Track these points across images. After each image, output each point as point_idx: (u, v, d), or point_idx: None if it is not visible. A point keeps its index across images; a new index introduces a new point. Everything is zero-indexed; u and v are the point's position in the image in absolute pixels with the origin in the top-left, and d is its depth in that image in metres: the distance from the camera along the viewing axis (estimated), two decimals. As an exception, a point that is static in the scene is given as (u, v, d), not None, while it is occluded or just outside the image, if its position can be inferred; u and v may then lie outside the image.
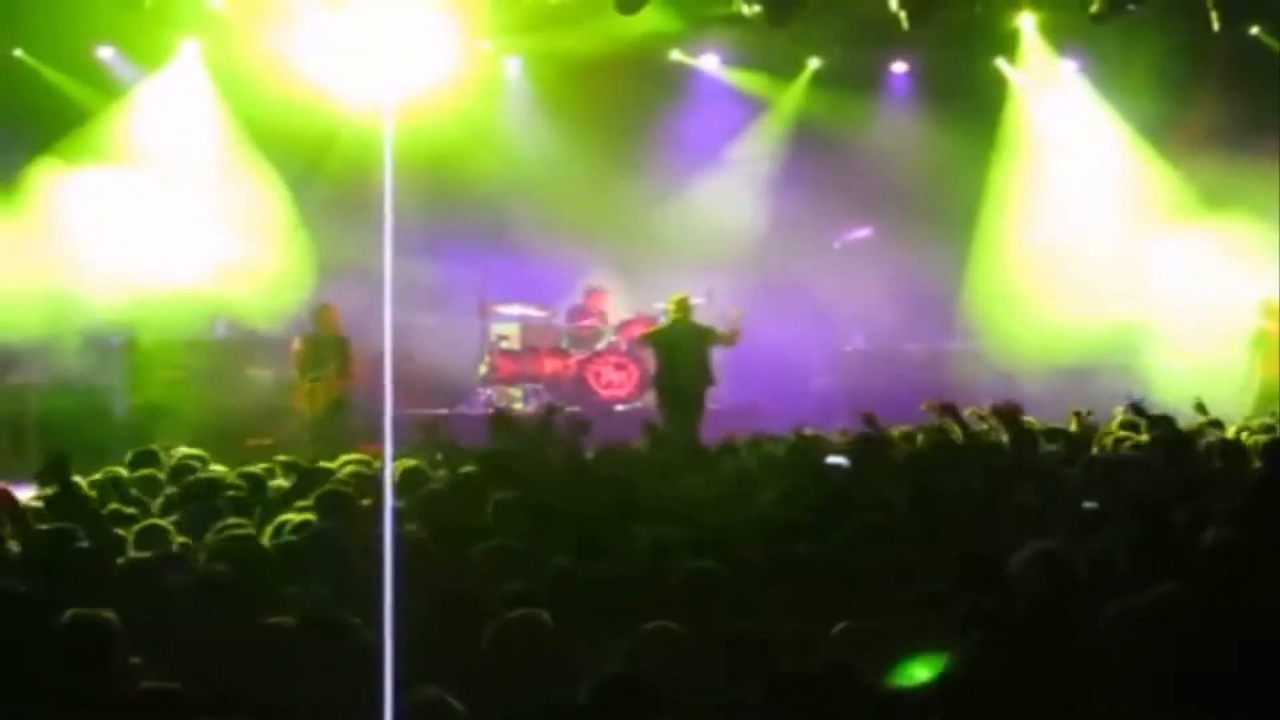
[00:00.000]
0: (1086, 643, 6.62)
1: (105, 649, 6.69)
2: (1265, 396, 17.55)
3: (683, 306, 17.51)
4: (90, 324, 18.05)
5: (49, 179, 18.22)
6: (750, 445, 12.49)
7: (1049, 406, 14.30)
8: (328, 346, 17.32)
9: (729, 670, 6.50)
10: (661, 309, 19.35)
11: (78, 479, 10.54)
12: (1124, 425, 12.66)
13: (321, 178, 19.56)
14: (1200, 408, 13.07)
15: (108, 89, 19.72)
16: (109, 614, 6.79)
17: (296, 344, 17.51)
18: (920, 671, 6.12)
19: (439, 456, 12.70)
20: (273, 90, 18.09)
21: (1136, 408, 12.64)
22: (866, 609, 7.13)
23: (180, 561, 8.51)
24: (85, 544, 8.70)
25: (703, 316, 17.84)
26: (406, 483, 11.10)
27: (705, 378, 17.31)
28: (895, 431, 12.69)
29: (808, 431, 12.79)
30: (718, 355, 17.48)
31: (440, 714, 5.77)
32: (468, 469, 11.56)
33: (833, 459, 11.60)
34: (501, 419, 13.75)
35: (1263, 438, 11.94)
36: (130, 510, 10.04)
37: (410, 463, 11.74)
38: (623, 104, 20.43)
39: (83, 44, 19.37)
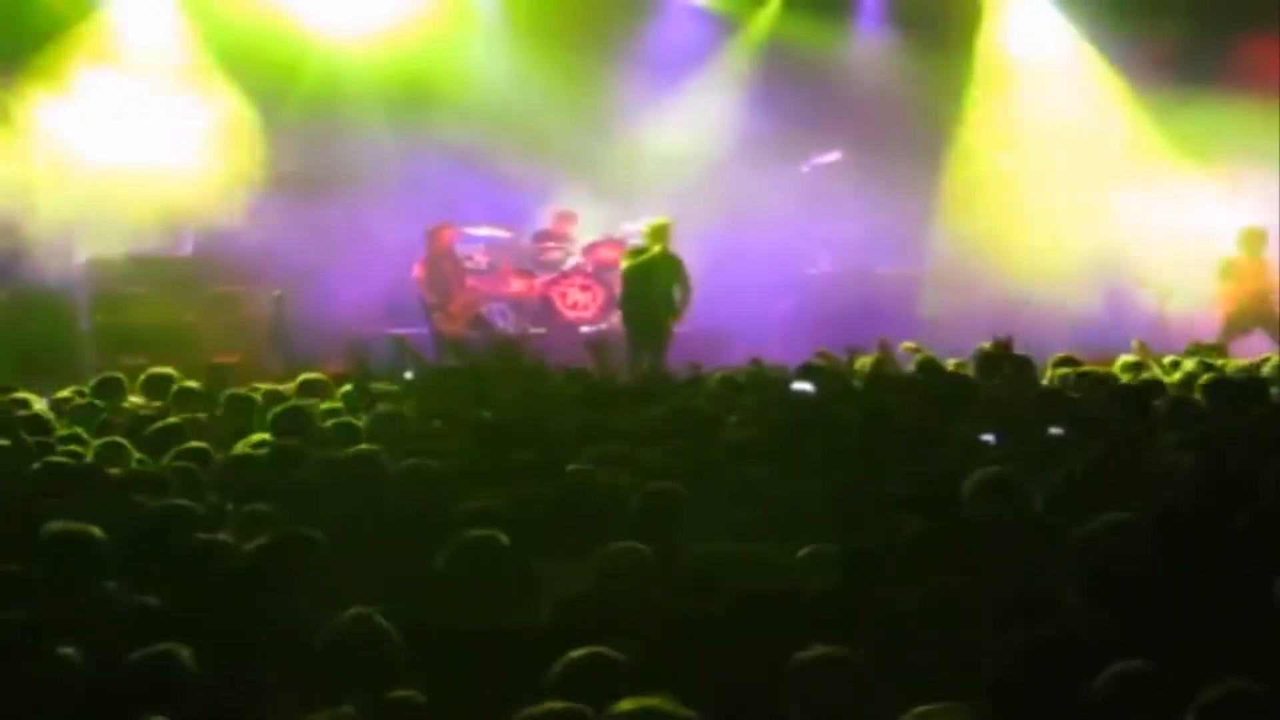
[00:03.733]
0: (1046, 567, 6.70)
1: (89, 563, 6.69)
2: (1230, 327, 17.55)
3: (662, 234, 17.32)
4: (54, 238, 17.88)
5: (17, 92, 18.03)
6: (716, 376, 12.49)
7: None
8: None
9: (691, 590, 6.54)
10: (630, 230, 19.29)
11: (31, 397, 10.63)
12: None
13: (292, 94, 19.38)
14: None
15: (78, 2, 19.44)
16: (95, 529, 6.78)
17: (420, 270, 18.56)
18: None
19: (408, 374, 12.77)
20: (244, 8, 18.03)
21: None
22: (825, 534, 7.20)
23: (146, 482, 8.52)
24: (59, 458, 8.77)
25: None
26: (371, 400, 11.15)
27: (670, 308, 17.19)
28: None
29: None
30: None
31: (368, 632, 5.76)
32: (434, 388, 11.62)
33: (798, 385, 11.61)
34: (454, 345, 13.81)
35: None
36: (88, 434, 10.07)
37: (377, 382, 11.80)
38: (592, 24, 20.22)
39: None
